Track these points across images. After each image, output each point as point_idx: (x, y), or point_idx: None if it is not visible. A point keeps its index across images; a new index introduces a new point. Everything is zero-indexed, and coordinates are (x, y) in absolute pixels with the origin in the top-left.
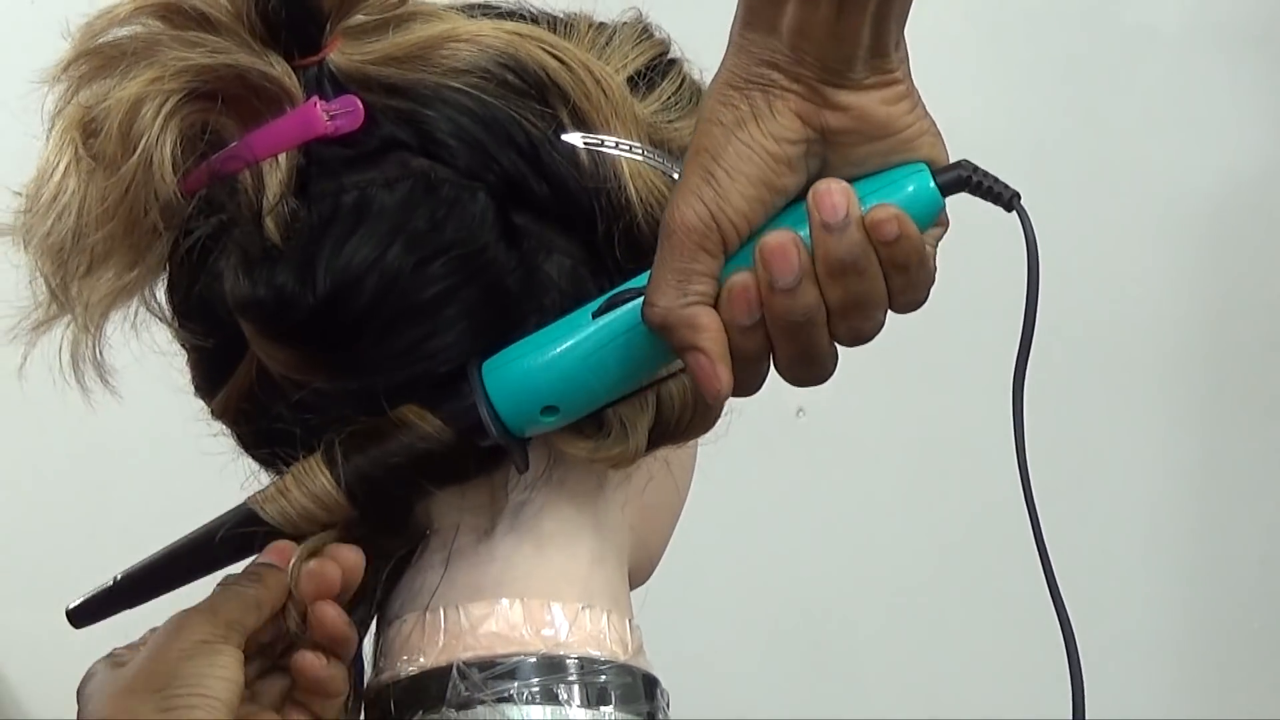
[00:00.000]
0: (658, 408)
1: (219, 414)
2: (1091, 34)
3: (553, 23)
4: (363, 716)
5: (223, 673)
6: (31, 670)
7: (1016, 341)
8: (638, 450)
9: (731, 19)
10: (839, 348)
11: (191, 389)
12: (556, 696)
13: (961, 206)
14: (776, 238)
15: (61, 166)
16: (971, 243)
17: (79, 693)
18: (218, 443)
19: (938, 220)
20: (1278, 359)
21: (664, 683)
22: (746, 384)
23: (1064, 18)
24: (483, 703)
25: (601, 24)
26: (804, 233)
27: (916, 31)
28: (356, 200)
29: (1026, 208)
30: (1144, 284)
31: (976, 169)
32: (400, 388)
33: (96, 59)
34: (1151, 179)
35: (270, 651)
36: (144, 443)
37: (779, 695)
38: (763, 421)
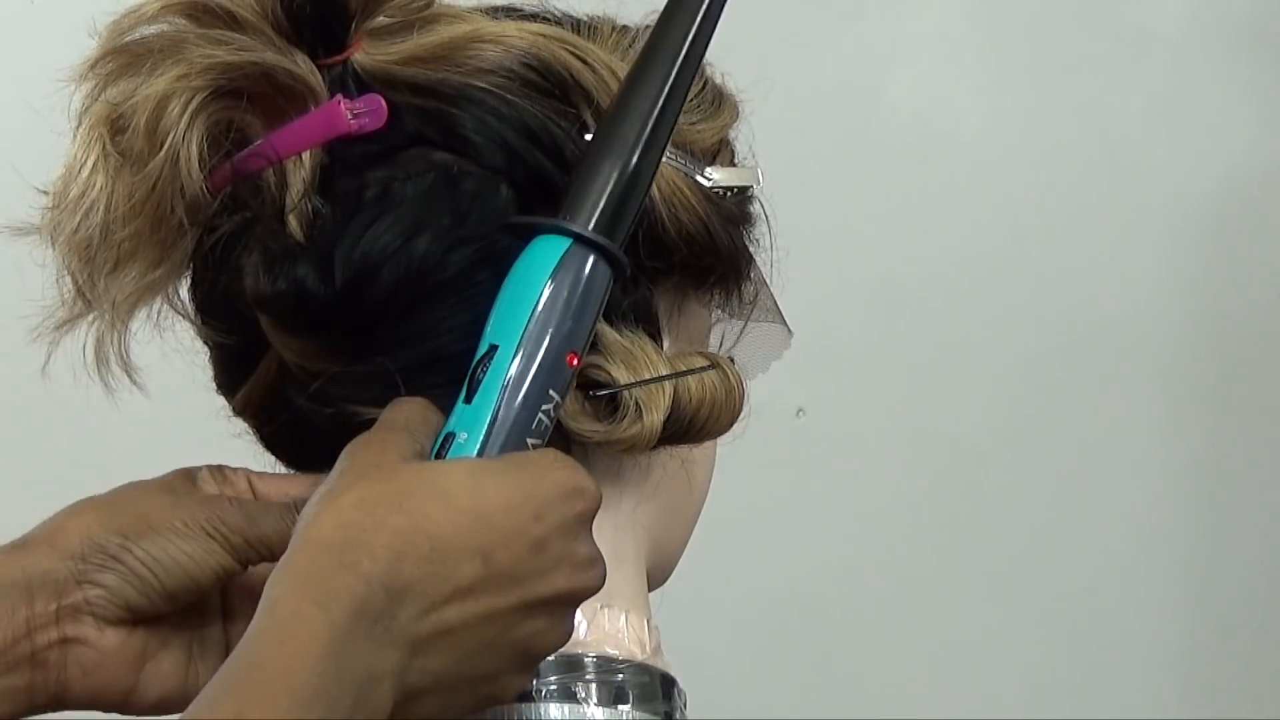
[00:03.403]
0: (674, 398)
1: (240, 411)
2: (1091, 34)
3: (576, 25)
4: None
5: None
6: None
7: (1015, 342)
8: (652, 434)
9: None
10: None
11: (213, 385)
12: (574, 695)
13: (955, 210)
14: None
15: (89, 163)
16: (969, 244)
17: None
18: (238, 442)
19: None
20: (1278, 358)
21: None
22: None
23: (1064, 18)
24: None
25: (624, 27)
26: None
27: (918, 31)
28: (378, 194)
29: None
30: (1144, 283)
31: None
32: (412, 368)
33: (124, 56)
34: (1151, 179)
35: None
36: (152, 442)
37: (777, 695)
38: (763, 421)
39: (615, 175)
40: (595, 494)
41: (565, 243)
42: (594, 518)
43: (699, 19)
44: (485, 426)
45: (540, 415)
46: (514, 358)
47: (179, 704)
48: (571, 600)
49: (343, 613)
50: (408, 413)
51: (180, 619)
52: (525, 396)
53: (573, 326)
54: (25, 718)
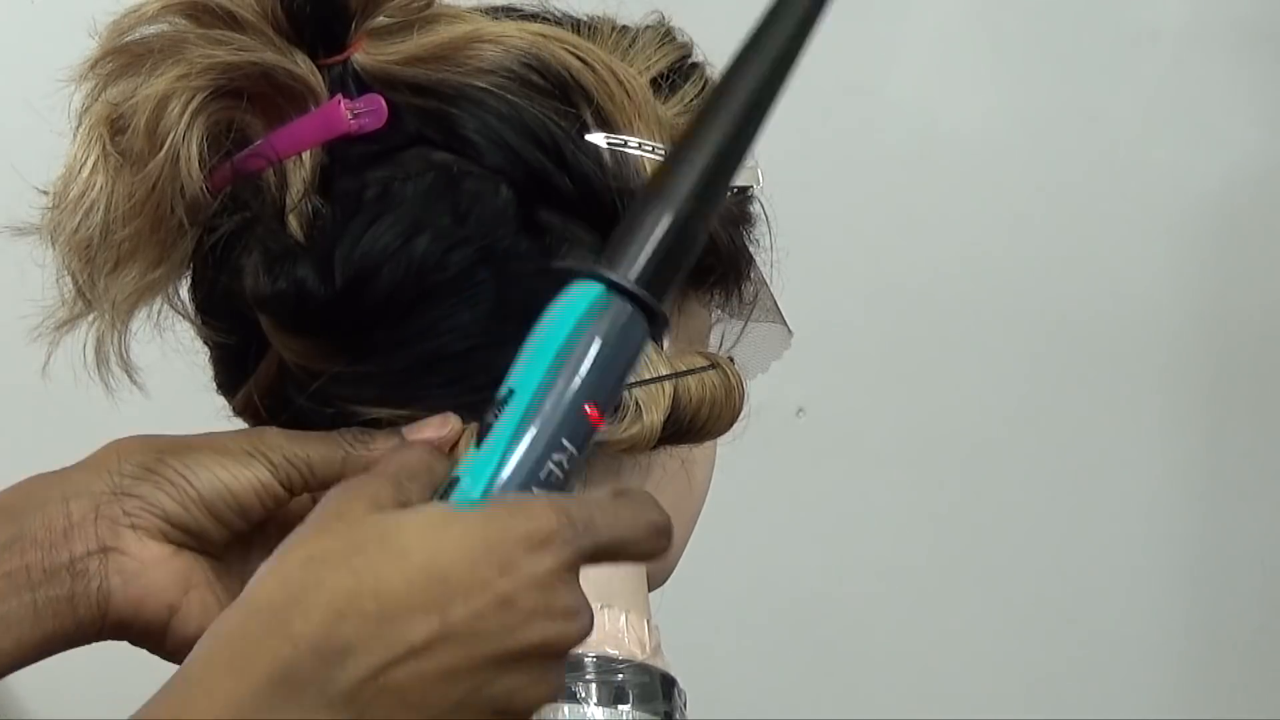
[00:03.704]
0: (674, 398)
1: (240, 411)
2: (1091, 34)
3: (576, 25)
4: None
5: None
6: (32, 670)
7: (1014, 343)
8: (652, 434)
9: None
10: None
11: (213, 385)
12: (574, 695)
13: (955, 210)
14: None
15: (89, 163)
16: (969, 244)
17: None
18: None
19: None
20: (1278, 358)
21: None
22: None
23: (1064, 18)
24: None
25: (624, 27)
26: None
27: (917, 31)
28: (378, 194)
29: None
30: (1144, 283)
31: None
32: (412, 368)
33: (124, 56)
34: (1151, 179)
35: None
36: None
37: (778, 694)
38: (763, 421)
39: (665, 225)
40: (572, 542)
41: (598, 290)
42: (576, 566)
43: (775, 62)
44: (491, 473)
45: (550, 465)
46: (528, 405)
47: None
48: (550, 653)
49: (259, 677)
50: (405, 459)
51: (228, 557)
52: (534, 445)
53: (597, 379)
54: (75, 643)
